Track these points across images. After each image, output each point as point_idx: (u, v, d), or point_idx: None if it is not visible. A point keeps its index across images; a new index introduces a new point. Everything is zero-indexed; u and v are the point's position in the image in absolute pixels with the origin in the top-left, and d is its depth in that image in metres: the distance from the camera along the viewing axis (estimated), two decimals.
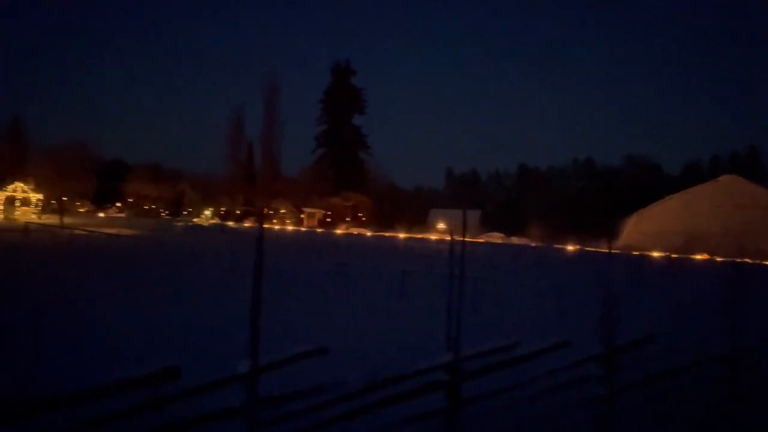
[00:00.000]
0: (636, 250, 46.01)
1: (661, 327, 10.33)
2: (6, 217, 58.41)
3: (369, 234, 66.72)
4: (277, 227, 71.02)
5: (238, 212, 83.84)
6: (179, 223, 67.92)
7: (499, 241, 63.52)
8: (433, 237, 64.39)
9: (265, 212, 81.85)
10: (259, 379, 4.80)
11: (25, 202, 68.25)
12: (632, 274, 25.98)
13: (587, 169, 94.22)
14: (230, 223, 74.77)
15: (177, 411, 4.81)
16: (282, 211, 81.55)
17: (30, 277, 17.71)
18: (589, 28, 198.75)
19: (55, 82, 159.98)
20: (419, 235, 65.48)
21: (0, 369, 7.79)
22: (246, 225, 74.19)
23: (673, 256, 46.37)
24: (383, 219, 78.43)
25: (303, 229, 75.14)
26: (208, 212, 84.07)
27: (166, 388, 4.61)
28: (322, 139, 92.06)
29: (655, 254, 46.29)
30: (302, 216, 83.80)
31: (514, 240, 65.98)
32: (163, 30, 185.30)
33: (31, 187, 68.87)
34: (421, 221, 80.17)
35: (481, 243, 54.02)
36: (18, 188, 68.29)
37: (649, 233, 58.25)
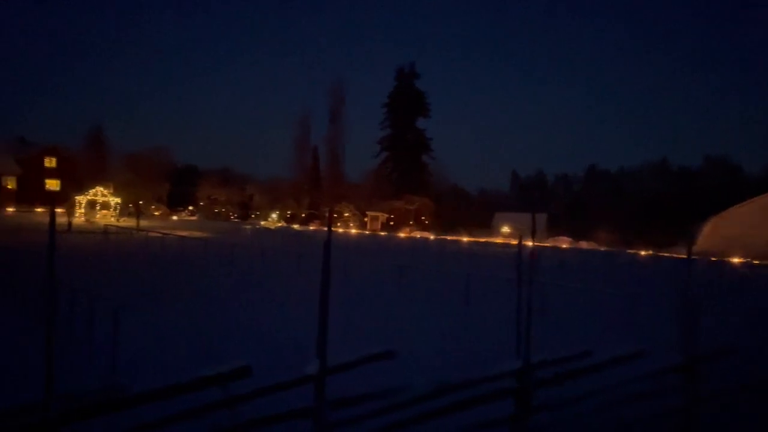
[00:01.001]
0: (714, 256, 43.70)
1: (741, 337, 9.75)
2: (87, 220, 61.76)
3: (432, 237, 66.44)
4: (341, 230, 71.87)
5: (303, 215, 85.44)
6: (247, 226, 69.85)
7: (566, 245, 61.82)
8: (498, 241, 63.43)
9: (329, 215, 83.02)
10: (327, 380, 4.83)
11: (105, 205, 72.04)
12: (710, 280, 24.70)
13: (662, 171, 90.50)
14: (296, 226, 76.30)
15: (247, 410, 4.90)
16: (346, 214, 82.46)
17: (110, 277, 18.61)
18: (663, 25, 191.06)
19: (133, 92, 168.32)
20: (483, 239, 64.67)
21: (84, 364, 8.20)
22: (311, 228, 75.49)
23: (755, 262, 43.76)
24: (446, 222, 77.95)
25: (366, 232, 75.71)
26: (274, 215, 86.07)
27: (237, 387, 4.71)
28: (386, 143, 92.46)
29: (735, 260, 43.81)
30: (365, 219, 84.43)
31: (583, 244, 64.03)
32: (232, 40, 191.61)
33: (111, 191, 72.62)
34: (486, 225, 79.16)
35: (549, 247, 52.73)
36: (99, 192, 72.16)
37: (728, 238, 55.19)
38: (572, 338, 11.25)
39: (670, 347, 6.54)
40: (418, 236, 68.91)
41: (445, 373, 6.03)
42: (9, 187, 75.54)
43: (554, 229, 74.02)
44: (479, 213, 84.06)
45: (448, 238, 64.98)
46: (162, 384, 4.31)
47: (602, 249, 57.11)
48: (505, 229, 73.60)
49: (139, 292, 15.44)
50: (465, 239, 63.48)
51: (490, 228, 77.64)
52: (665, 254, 47.27)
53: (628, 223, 70.52)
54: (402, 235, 70.05)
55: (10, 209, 65.37)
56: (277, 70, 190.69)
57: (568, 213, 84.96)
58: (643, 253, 50.16)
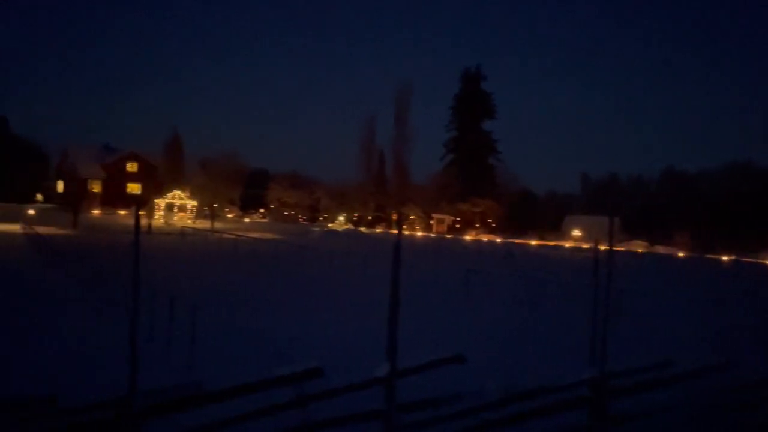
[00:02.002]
0: None
1: None
2: (166, 222, 64.63)
3: (499, 240, 65.46)
4: (406, 233, 71.96)
5: (369, 218, 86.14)
6: (315, 228, 71.15)
7: (641, 249, 59.39)
8: (568, 244, 61.72)
9: (394, 218, 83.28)
10: (397, 383, 4.82)
11: (182, 208, 75.21)
12: None
13: (745, 172, 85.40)
14: (362, 229, 77.02)
15: (318, 410, 4.96)
16: (411, 217, 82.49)
17: (187, 277, 19.38)
18: (742, 19, 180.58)
19: (208, 99, 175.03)
20: (553, 242, 63.13)
21: (161, 360, 8.55)
22: (377, 230, 76.00)
23: None
24: (514, 225, 76.56)
25: (432, 234, 75.43)
26: (341, 218, 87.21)
27: (309, 387, 4.77)
28: (452, 145, 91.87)
29: None
30: (431, 222, 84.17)
31: (659, 249, 61.32)
32: (300, 45, 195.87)
33: (187, 194, 75.76)
34: (555, 228, 77.16)
35: (623, 251, 50.83)
36: (176, 196, 75.43)
37: None
38: (651, 347, 10.78)
39: (757, 358, 6.15)
40: (485, 239, 68.04)
41: (515, 380, 5.89)
42: (94, 190, 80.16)
43: (628, 233, 71.20)
44: (548, 216, 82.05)
45: (516, 241, 63.80)
46: (237, 382, 4.43)
47: (681, 254, 54.52)
48: (576, 232, 71.52)
49: (213, 292, 15.99)
50: (533, 242, 62.16)
51: (559, 231, 75.61)
52: (749, 260, 44.57)
53: (707, 226, 66.94)
54: (468, 238, 69.37)
55: (96, 211, 69.31)
56: (344, 73, 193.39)
57: (642, 216, 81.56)
58: (725, 258, 47.50)
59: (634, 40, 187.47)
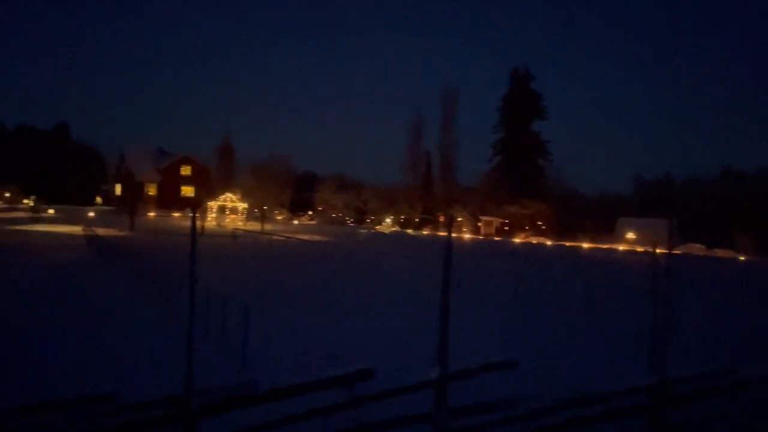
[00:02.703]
0: None
1: None
2: (218, 224, 66.20)
3: (549, 243, 64.27)
4: (454, 235, 71.37)
5: (416, 220, 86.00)
6: (362, 231, 71.51)
7: (700, 253, 57.23)
8: (621, 248, 60.06)
9: (441, 220, 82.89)
10: (448, 386, 4.78)
11: (233, 210, 76.93)
12: None
13: None
14: (409, 231, 76.95)
15: (369, 412, 4.96)
16: (459, 219, 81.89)
17: (239, 277, 19.77)
18: None
19: (257, 103, 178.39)
20: (605, 246, 61.53)
21: (215, 360, 8.74)
22: (424, 232, 75.79)
23: None
24: (564, 228, 74.98)
25: (480, 237, 74.71)
26: (388, 220, 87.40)
27: (360, 389, 4.78)
28: (500, 147, 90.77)
29: None
30: (479, 224, 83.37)
31: (718, 252, 58.96)
32: (346, 48, 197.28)
33: (238, 197, 77.47)
34: (607, 230, 75.15)
35: (680, 255, 49.12)
36: (228, 198, 77.22)
37: None
38: (713, 354, 10.35)
39: None
40: (535, 242, 66.92)
41: (569, 386, 5.75)
42: (150, 193, 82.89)
43: (684, 236, 68.71)
44: (600, 218, 79.97)
45: (567, 244, 62.51)
46: (290, 382, 4.47)
47: (742, 257, 52.27)
48: (630, 234, 69.50)
49: (265, 293, 16.25)
50: (585, 245, 60.74)
51: (612, 234, 73.61)
52: None
53: None
54: (517, 240, 68.37)
55: (151, 214, 71.64)
56: (391, 75, 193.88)
57: (699, 218, 78.61)
58: None
59: (690, 36, 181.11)
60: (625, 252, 53.01)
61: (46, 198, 71.12)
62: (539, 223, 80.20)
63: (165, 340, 10.36)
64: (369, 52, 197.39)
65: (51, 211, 65.43)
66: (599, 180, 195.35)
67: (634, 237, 67.93)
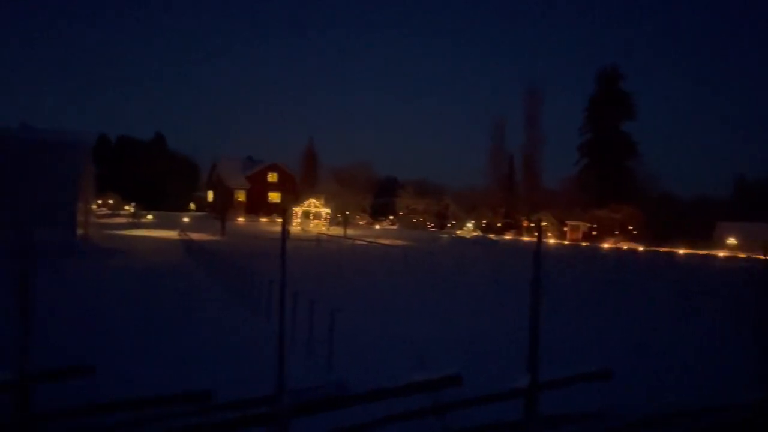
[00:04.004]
0: None
1: None
2: (302, 229, 68.01)
3: (641, 249, 61.33)
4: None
5: (499, 224, 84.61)
6: (444, 236, 71.19)
7: None
8: (722, 253, 56.37)
9: (525, 225, 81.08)
10: (539, 395, 4.63)
11: (317, 215, 78.82)
12: None
13: None
14: (491, 236, 75.82)
15: (456, 419, 4.89)
16: (544, 223, 79.76)
17: (324, 280, 20.17)
18: None
19: (339, 111, 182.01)
20: (702, 251, 57.99)
21: (302, 361, 8.94)
22: (507, 237, 74.40)
23: None
24: (658, 233, 71.28)
25: (566, 242, 72.42)
26: (470, 224, 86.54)
27: (447, 395, 4.72)
28: (587, 149, 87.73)
29: None
30: (565, 229, 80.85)
31: None
32: (427, 51, 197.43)
33: (322, 202, 79.29)
34: (705, 235, 70.78)
35: None
36: (311, 204, 79.22)
37: None
38: None
39: None
40: (625, 247, 64.09)
41: (665, 398, 5.43)
42: (240, 199, 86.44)
43: None
44: (696, 222, 75.43)
45: (661, 249, 59.43)
46: (379, 385, 4.49)
47: None
48: (731, 240, 65.15)
49: (349, 296, 16.48)
50: (680, 251, 57.51)
51: (710, 239, 69.26)
52: None
53: None
54: (606, 246, 65.72)
55: (241, 219, 74.64)
56: (472, 78, 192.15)
57: None
58: None
59: None
60: (725, 258, 49.68)
61: (144, 204, 75.75)
62: (630, 227, 76.68)
63: (255, 339, 10.74)
64: (450, 53, 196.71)
65: (149, 216, 69.59)
66: (695, 182, 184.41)
67: (735, 242, 63.62)
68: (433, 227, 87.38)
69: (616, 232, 75.61)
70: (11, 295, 4.14)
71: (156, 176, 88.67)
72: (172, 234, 47.99)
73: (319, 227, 71.38)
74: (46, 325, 9.59)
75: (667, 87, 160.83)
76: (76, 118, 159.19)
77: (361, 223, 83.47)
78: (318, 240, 49.06)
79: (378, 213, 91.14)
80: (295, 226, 70.12)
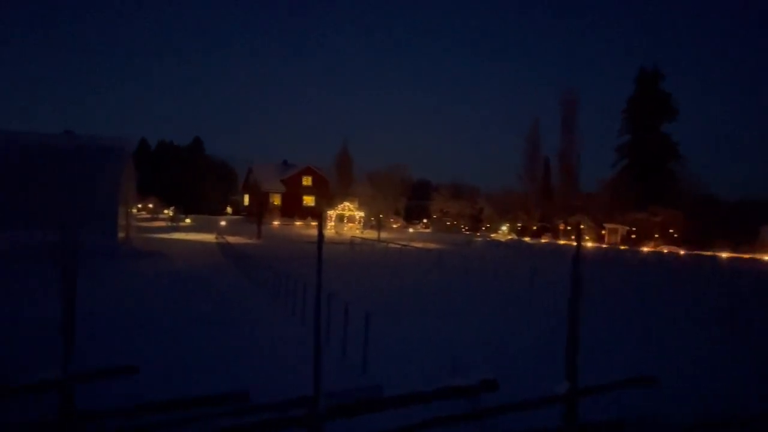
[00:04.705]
0: None
1: None
2: (336, 232, 68.35)
3: (682, 253, 59.76)
4: (575, 243, 68.44)
5: (534, 228, 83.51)
6: (478, 239, 70.60)
7: None
8: (767, 258, 54.51)
9: (561, 228, 79.81)
10: (578, 402, 4.53)
11: (351, 219, 79.15)
12: None
13: None
14: (527, 239, 74.86)
15: (492, 424, 4.83)
16: (581, 226, 78.29)
17: (358, 283, 20.22)
18: None
19: (373, 114, 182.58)
20: (747, 255, 56.17)
21: (337, 363, 8.97)
22: (543, 241, 73.38)
23: None
24: (700, 236, 69.29)
25: (604, 246, 70.99)
26: (504, 228, 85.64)
27: (484, 400, 4.66)
28: (625, 150, 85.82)
29: None
30: (603, 232, 79.29)
31: None
32: (460, 54, 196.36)
33: (356, 206, 79.59)
34: (749, 238, 68.54)
35: None
36: (346, 207, 79.60)
37: None
38: None
39: None
40: (665, 251, 62.55)
41: (711, 406, 5.26)
42: (275, 203, 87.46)
43: None
44: (740, 225, 73.05)
45: (704, 253, 57.80)
46: (415, 389, 4.46)
47: None
48: None
49: (383, 299, 16.48)
50: (724, 255, 55.82)
51: (756, 242, 67.02)
52: None
53: None
54: (646, 249, 64.26)
55: (276, 222, 75.48)
56: (505, 80, 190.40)
57: None
58: None
59: None
60: None
61: (183, 208, 77.28)
62: (671, 230, 74.85)
63: (290, 340, 10.82)
64: (484, 56, 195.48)
65: (188, 220, 70.95)
66: (739, 184, 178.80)
67: None
68: (467, 230, 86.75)
69: (656, 236, 73.84)
70: (57, 296, 4.26)
71: (194, 180, 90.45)
72: (209, 237, 48.81)
73: (353, 230, 71.64)
74: (90, 325, 9.84)
75: (708, 87, 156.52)
76: (119, 124, 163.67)
77: (394, 226, 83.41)
78: (352, 243, 49.24)
79: (411, 216, 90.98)
80: (329, 229, 70.52)
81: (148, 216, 74.93)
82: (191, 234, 53.22)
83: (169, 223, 65.97)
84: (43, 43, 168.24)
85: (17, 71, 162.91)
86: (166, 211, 76.96)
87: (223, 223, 67.69)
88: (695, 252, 58.94)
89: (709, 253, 58.05)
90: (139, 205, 68.33)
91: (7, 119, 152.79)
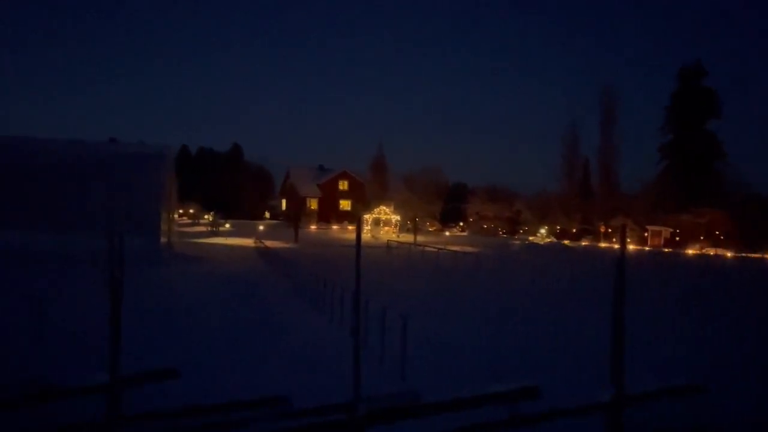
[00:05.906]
0: None
1: None
2: (372, 236, 68.54)
3: (729, 255, 57.90)
4: (616, 246, 66.98)
5: (574, 230, 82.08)
6: (516, 242, 69.79)
7: None
8: None
9: (602, 230, 78.24)
10: (623, 409, 4.42)
11: (387, 222, 79.26)
12: None
13: None
14: (566, 242, 73.65)
15: (529, 431, 4.74)
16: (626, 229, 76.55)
17: (395, 286, 20.23)
18: None
19: (409, 117, 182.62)
20: None
21: (374, 369, 8.96)
22: (583, 244, 72.07)
23: None
24: (747, 238, 67.00)
25: (646, 248, 69.31)
26: (543, 231, 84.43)
27: (524, 407, 4.59)
28: (668, 150, 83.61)
29: None
30: (646, 234, 77.41)
31: None
32: (495, 52, 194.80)
33: (392, 209, 79.67)
34: None
35: None
36: (382, 211, 79.76)
37: None
38: None
39: None
40: (712, 253, 60.71)
41: (762, 417, 5.05)
42: (312, 207, 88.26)
43: None
44: None
45: (752, 255, 55.90)
46: (454, 395, 4.42)
47: None
48: None
49: (420, 303, 16.43)
50: None
51: None
52: None
53: None
54: (690, 252, 62.49)
55: (313, 227, 76.15)
56: (542, 79, 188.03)
57: None
58: None
59: None
60: None
61: (222, 213, 78.68)
62: (717, 232, 72.55)
63: (329, 345, 10.88)
64: (519, 57, 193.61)
65: (227, 225, 72.18)
66: None
67: None
68: (504, 233, 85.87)
69: (702, 238, 71.68)
70: (104, 301, 4.37)
71: (233, 185, 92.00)
72: (248, 242, 49.53)
73: (389, 234, 71.70)
74: (136, 329, 10.09)
75: (753, 83, 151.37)
76: (162, 131, 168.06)
77: (430, 229, 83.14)
78: (388, 247, 49.28)
79: (448, 219, 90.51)
80: (366, 233, 70.75)
81: (189, 221, 76.48)
82: (230, 238, 54.10)
83: (209, 228, 67.19)
84: (90, 56, 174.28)
85: (65, 81, 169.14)
86: (206, 216, 78.45)
87: (261, 227, 68.61)
88: (743, 254, 57.02)
89: (757, 256, 56.10)
90: (180, 211, 69.83)
91: (55, 128, 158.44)
